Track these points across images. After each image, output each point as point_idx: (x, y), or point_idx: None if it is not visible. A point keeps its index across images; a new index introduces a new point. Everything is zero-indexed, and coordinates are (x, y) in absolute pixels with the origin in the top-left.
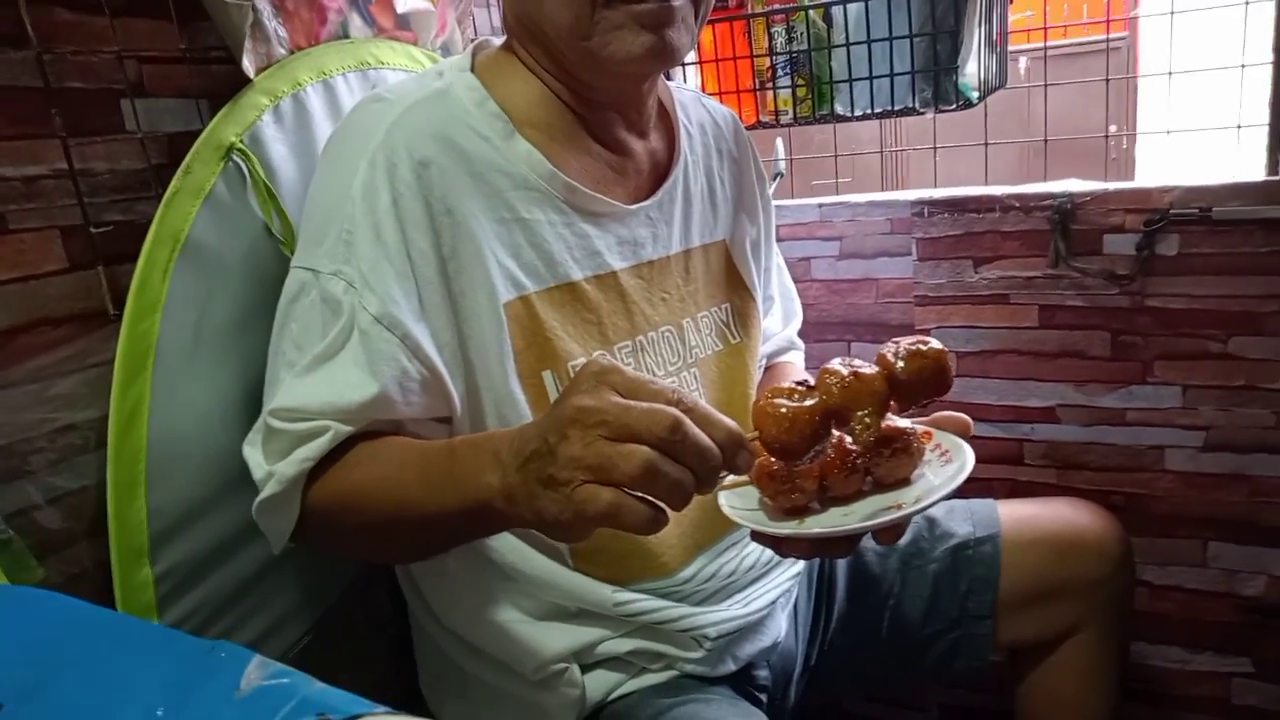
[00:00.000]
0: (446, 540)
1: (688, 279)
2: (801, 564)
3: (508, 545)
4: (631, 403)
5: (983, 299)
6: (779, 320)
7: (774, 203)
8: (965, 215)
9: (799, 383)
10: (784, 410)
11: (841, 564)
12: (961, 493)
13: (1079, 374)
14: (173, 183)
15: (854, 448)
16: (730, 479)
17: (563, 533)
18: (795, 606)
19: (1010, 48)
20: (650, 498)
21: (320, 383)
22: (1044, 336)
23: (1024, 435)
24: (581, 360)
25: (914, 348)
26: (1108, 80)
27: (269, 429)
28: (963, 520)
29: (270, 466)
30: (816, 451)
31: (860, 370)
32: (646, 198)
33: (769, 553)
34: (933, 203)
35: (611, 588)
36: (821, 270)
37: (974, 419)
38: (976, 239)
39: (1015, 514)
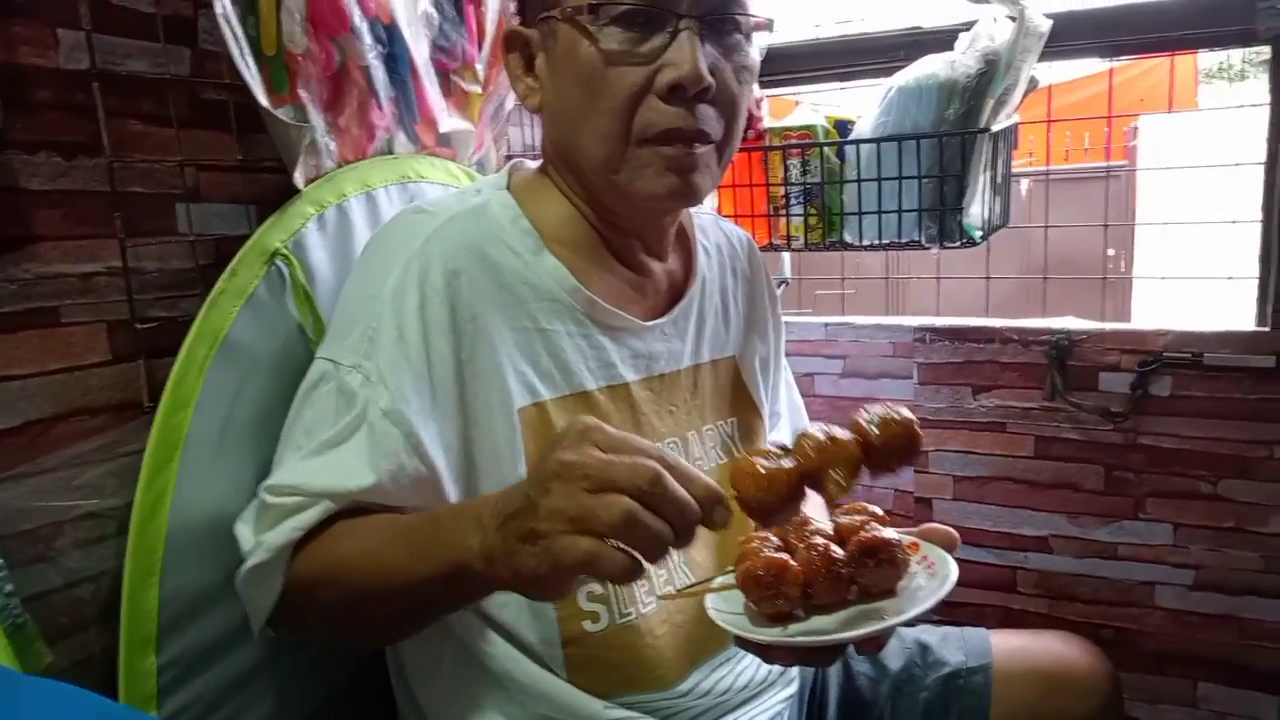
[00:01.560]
0: (425, 611)
1: (695, 393)
2: (794, 686)
3: (503, 652)
4: (614, 457)
5: (980, 426)
6: (786, 434)
7: (782, 319)
8: (966, 344)
9: (777, 445)
10: (761, 470)
11: (833, 688)
12: (954, 619)
13: (1073, 506)
14: (218, 284)
15: (839, 555)
16: (719, 580)
17: (540, 588)
18: None
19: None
20: (628, 549)
21: (323, 467)
22: (1039, 467)
23: (1017, 563)
24: None
25: (887, 415)
26: (1106, 226)
27: (263, 504)
28: (955, 649)
29: (259, 536)
30: (789, 512)
31: (835, 434)
32: (662, 314)
33: (763, 670)
34: (935, 330)
35: (603, 702)
36: (825, 387)
37: (968, 544)
38: (976, 368)
39: (1007, 645)
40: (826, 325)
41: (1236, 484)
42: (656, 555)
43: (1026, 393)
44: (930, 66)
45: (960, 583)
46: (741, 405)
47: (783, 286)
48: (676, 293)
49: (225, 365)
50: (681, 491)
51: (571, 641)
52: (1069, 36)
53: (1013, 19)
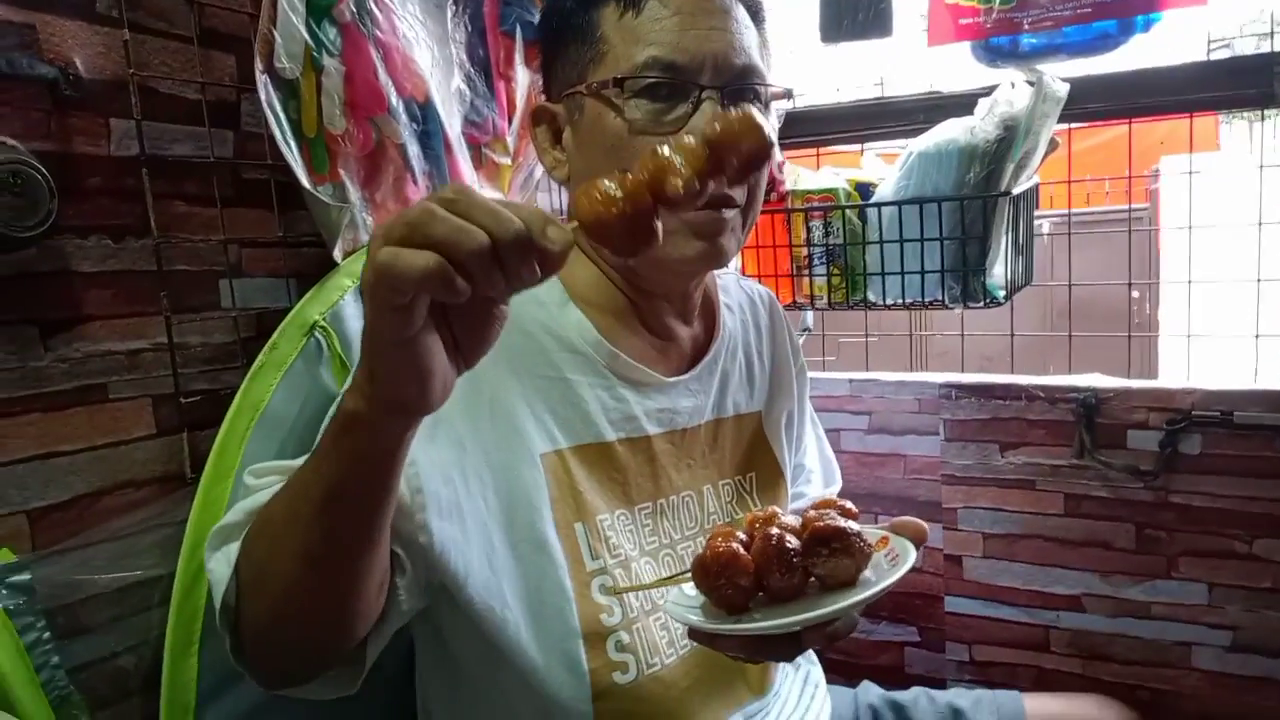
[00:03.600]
0: (341, 513)
1: (715, 447)
2: None
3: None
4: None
5: (1009, 483)
6: (819, 486)
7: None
8: (992, 401)
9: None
10: (597, 187)
11: None
12: (986, 679)
13: (1104, 564)
14: (260, 357)
15: (792, 545)
16: (690, 588)
17: (372, 343)
18: None
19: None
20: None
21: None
22: (1070, 525)
23: (1049, 622)
24: (605, 516)
25: (726, 112)
26: (1130, 284)
27: (244, 487)
28: (988, 713)
29: (238, 507)
30: (642, 234)
31: (679, 140)
32: (686, 372)
33: None
34: (961, 386)
35: None
36: (850, 443)
37: (1000, 602)
38: (1003, 424)
39: (1042, 710)
40: (851, 381)
41: (1273, 544)
42: (469, 261)
43: (1055, 450)
44: (950, 132)
45: (992, 641)
46: (762, 460)
47: (805, 334)
48: (700, 353)
49: (264, 436)
50: (492, 204)
51: (602, 695)
52: (1086, 100)
53: (1031, 84)
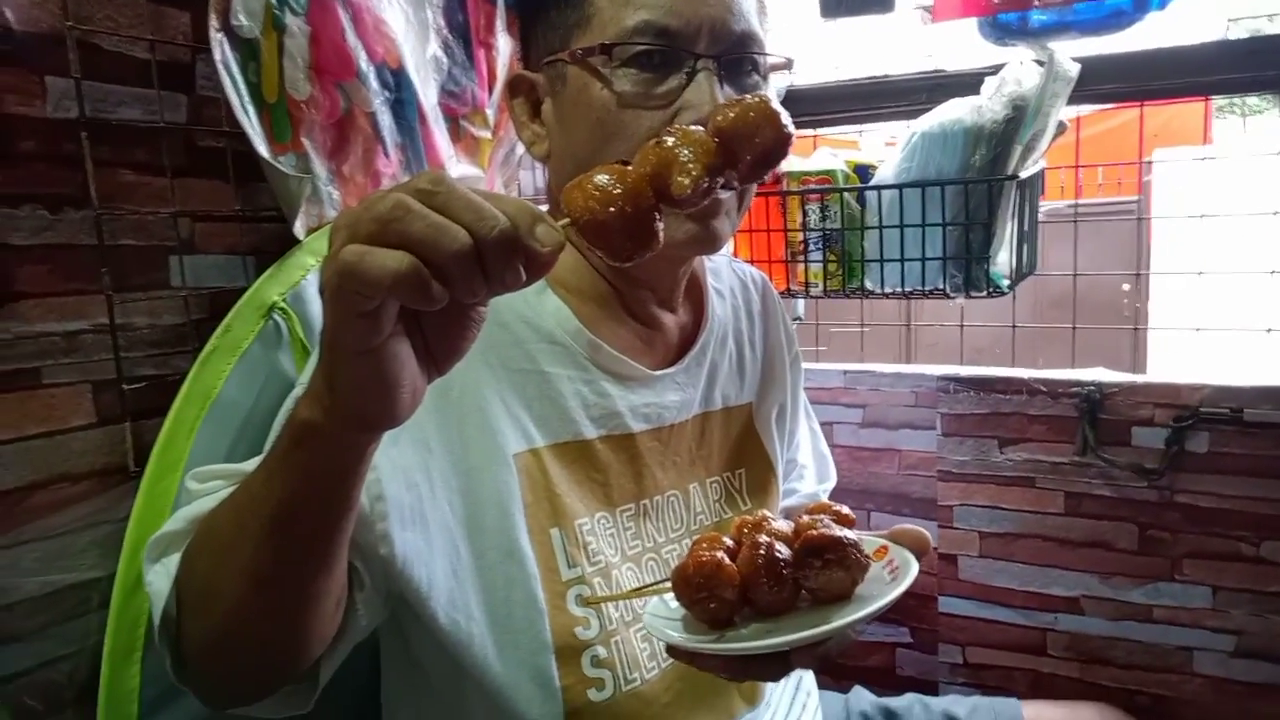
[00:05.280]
0: (292, 527)
1: (702, 443)
2: None
3: None
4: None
5: (1008, 480)
6: (811, 482)
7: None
8: (992, 395)
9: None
10: (594, 181)
11: None
12: (981, 683)
13: (1105, 565)
14: (211, 341)
15: (782, 555)
16: (672, 597)
17: (333, 351)
18: None
19: None
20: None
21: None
22: (1070, 524)
23: (1047, 625)
24: (585, 520)
25: (739, 98)
26: (1137, 274)
27: (186, 492)
28: None
29: (179, 514)
30: (642, 236)
31: (686, 130)
32: (673, 364)
33: None
34: (959, 380)
35: None
36: (844, 436)
37: (995, 603)
38: (1003, 419)
39: (1040, 718)
40: (845, 373)
41: None
42: (448, 264)
43: (1056, 446)
44: (955, 112)
45: (987, 644)
46: (752, 456)
47: (796, 324)
48: (687, 343)
49: (216, 426)
50: (474, 198)
51: (575, 714)
52: (1097, 81)
53: (1041, 64)
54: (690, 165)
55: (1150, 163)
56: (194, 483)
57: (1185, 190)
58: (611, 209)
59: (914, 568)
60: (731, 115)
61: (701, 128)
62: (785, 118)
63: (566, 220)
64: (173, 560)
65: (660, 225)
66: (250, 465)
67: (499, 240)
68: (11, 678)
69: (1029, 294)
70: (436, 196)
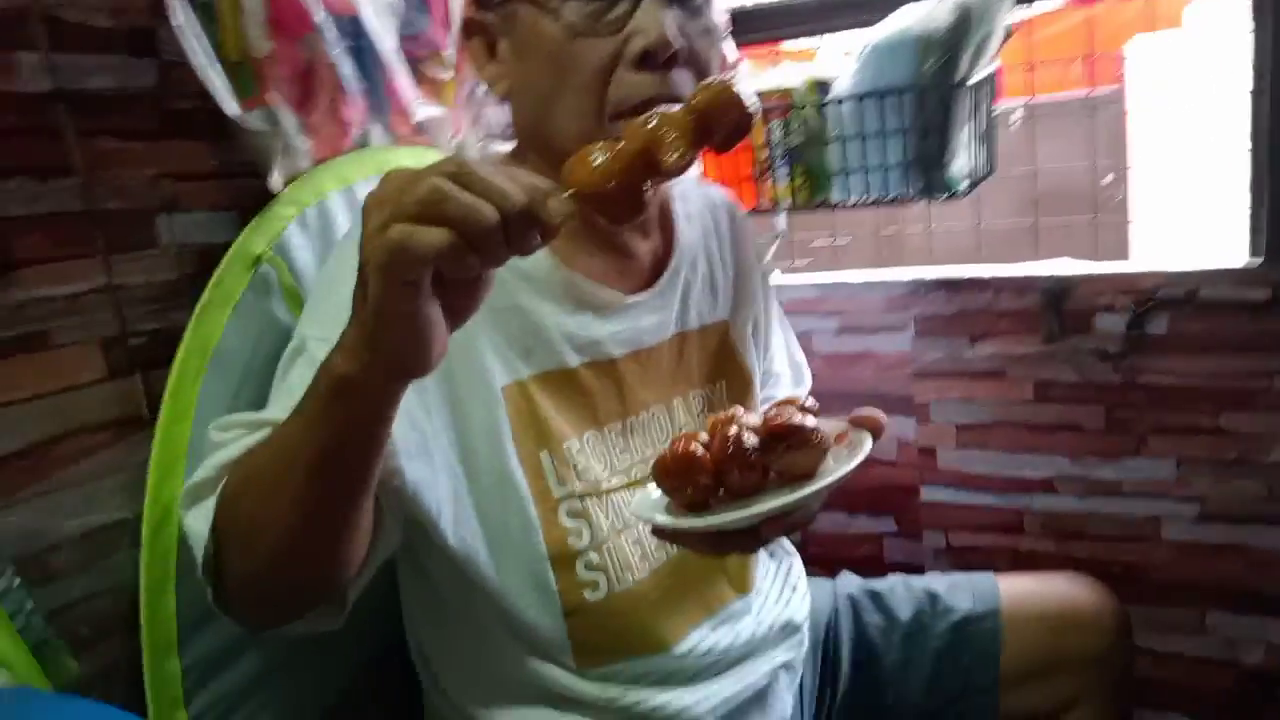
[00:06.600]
0: (334, 472)
1: (680, 361)
2: (802, 640)
3: (511, 641)
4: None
5: (979, 374)
6: (787, 388)
7: (776, 280)
8: (960, 294)
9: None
10: (592, 156)
11: (845, 640)
12: (965, 564)
13: (1075, 447)
14: (204, 295)
15: (750, 443)
16: (656, 490)
17: (379, 315)
18: (801, 685)
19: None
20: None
21: (280, 410)
22: (1040, 410)
23: (1023, 506)
24: (573, 441)
25: (707, 83)
26: (1117, 168)
27: (210, 442)
28: (964, 596)
29: (208, 462)
30: (636, 203)
31: (666, 114)
32: (647, 289)
33: (764, 627)
34: (929, 283)
35: (616, 690)
36: (821, 344)
37: (974, 489)
38: (972, 317)
39: (1015, 589)
40: (819, 285)
41: (1238, 416)
42: (482, 237)
43: (1023, 338)
44: (904, 21)
45: (969, 527)
46: (730, 369)
47: (780, 238)
48: (660, 267)
49: (219, 375)
50: (495, 178)
51: (573, 613)
52: None
53: None
54: (677, 141)
55: (1104, 55)
56: (216, 432)
57: (1163, 77)
58: (611, 182)
59: (868, 443)
60: (705, 99)
61: (679, 107)
62: (749, 98)
63: (571, 191)
64: (208, 504)
65: (649, 195)
66: (266, 415)
67: (521, 214)
68: (61, 609)
69: (1009, 191)
70: (464, 178)
